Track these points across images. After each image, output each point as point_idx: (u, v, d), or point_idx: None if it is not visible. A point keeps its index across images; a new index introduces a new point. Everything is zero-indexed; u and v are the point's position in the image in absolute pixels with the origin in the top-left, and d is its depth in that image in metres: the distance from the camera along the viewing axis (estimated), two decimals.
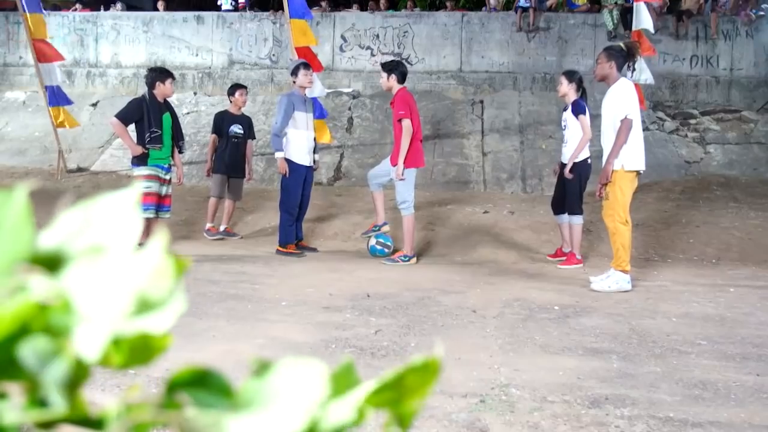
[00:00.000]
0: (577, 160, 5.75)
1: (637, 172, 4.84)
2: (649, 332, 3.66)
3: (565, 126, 5.92)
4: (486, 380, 2.82)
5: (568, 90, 5.81)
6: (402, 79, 5.90)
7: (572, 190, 5.79)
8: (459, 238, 6.67)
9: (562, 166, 5.92)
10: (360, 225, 7.13)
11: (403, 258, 5.79)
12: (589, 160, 5.85)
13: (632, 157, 4.77)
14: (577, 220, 5.83)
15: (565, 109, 5.95)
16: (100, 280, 0.29)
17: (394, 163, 5.79)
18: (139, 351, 0.29)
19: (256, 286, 4.65)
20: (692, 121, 10.34)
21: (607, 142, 4.87)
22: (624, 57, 4.96)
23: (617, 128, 4.76)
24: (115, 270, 0.29)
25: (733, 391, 2.76)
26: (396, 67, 5.92)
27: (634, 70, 5.16)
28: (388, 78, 5.87)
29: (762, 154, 9.70)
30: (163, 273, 0.30)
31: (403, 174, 5.72)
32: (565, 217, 5.93)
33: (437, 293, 4.56)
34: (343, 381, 0.31)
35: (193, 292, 4.31)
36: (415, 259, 5.88)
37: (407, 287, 4.72)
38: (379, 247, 6.09)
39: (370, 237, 6.14)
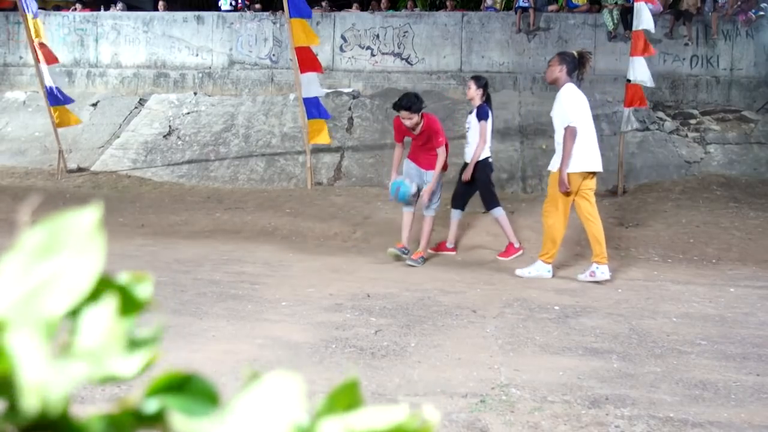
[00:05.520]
0: (480, 159, 6.05)
1: (590, 174, 5.05)
2: (649, 332, 3.66)
3: (468, 128, 6.21)
4: (486, 380, 2.82)
5: (475, 94, 6.10)
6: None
7: (482, 187, 6.11)
8: (459, 237, 6.67)
9: (464, 166, 6.22)
10: (360, 225, 7.12)
11: (422, 259, 5.82)
12: (490, 159, 6.15)
13: (575, 160, 4.97)
14: (498, 212, 6.13)
15: (470, 112, 6.22)
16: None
17: (433, 167, 5.74)
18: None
19: (256, 286, 4.64)
20: (692, 121, 10.34)
21: (558, 146, 5.11)
22: (575, 64, 5.16)
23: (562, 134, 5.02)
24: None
25: (733, 391, 2.76)
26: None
27: (581, 80, 5.32)
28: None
29: (762, 154, 9.71)
30: (112, 337, 0.29)
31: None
32: (457, 213, 6.27)
33: (437, 293, 4.56)
34: (343, 399, 0.30)
35: (193, 292, 4.31)
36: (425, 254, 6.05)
37: (407, 287, 4.72)
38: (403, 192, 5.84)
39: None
